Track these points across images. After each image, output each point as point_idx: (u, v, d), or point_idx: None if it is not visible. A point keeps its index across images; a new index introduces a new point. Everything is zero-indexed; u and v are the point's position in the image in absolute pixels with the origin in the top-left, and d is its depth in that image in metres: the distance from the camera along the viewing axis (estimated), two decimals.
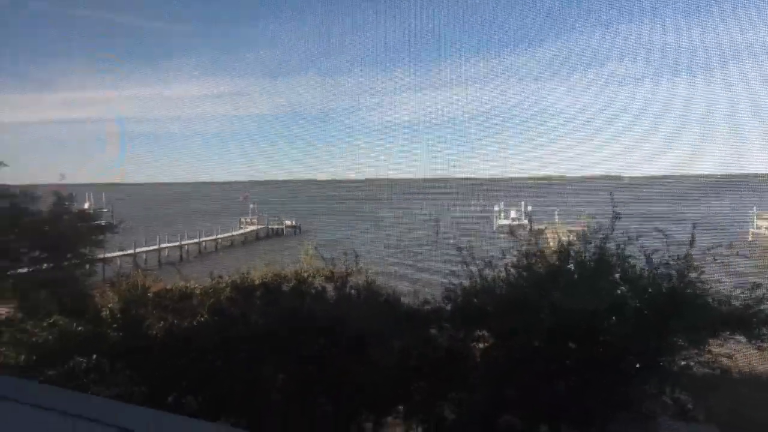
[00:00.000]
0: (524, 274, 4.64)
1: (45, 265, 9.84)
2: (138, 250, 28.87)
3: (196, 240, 35.68)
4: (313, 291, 5.93)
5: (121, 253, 25.82)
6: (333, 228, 48.11)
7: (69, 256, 10.21)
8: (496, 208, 43.24)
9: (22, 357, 3.97)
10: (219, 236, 38.16)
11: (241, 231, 43.40)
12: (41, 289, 8.25)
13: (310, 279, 6.75)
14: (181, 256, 32.75)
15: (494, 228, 41.38)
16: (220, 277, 5.78)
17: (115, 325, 4.16)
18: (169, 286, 5.70)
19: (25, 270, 10.03)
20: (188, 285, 5.66)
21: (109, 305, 4.80)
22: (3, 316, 6.89)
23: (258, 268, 6.67)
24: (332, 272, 5.97)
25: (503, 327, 4.26)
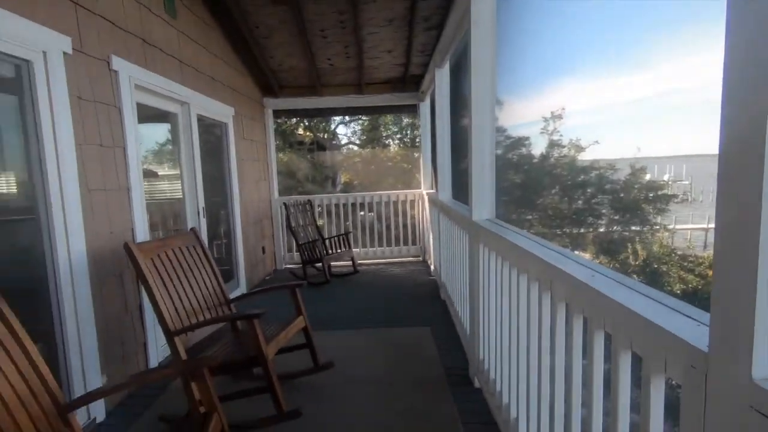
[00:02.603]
0: None
1: (616, 226, 12.58)
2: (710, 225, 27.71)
3: None
4: None
5: (691, 226, 25.83)
6: None
7: (636, 220, 12.38)
8: None
9: None
10: None
11: None
12: (608, 243, 10.71)
13: None
14: None
15: None
16: None
17: (635, 268, 5.44)
18: (701, 254, 6.12)
19: (602, 229, 13.18)
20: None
21: (640, 257, 6.04)
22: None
23: None
24: None
25: None
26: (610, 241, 10.51)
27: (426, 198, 5.93)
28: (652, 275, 6.06)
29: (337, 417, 2.35)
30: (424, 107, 6.12)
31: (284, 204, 5.80)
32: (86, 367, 2.37)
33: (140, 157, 3.02)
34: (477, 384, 2.61)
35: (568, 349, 1.33)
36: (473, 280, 2.64)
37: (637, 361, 1.01)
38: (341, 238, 5.80)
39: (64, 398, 1.59)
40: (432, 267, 5.44)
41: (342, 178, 13.71)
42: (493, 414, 2.25)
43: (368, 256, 6.46)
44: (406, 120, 13.04)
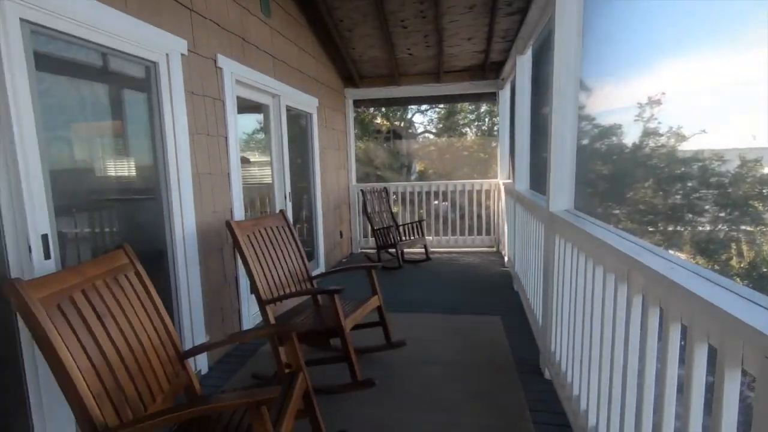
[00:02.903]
0: None
1: (721, 225, 11.32)
2: None
3: None
4: None
5: None
6: None
7: (746, 218, 11.03)
8: None
9: None
10: None
11: None
12: (707, 243, 9.66)
13: None
14: None
15: None
16: None
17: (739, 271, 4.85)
18: None
19: (701, 227, 11.95)
20: None
21: (746, 259, 5.40)
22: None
23: None
24: None
25: None
26: (710, 240, 9.46)
27: (502, 188, 5.83)
28: (759, 280, 5.38)
29: (408, 391, 2.50)
30: (504, 95, 5.97)
31: (361, 191, 6.05)
32: (194, 326, 2.76)
33: (238, 145, 3.37)
34: (547, 375, 2.60)
35: (643, 342, 1.32)
36: (548, 270, 2.62)
37: (710, 357, 1.00)
38: (415, 225, 5.93)
39: (182, 348, 1.90)
40: (506, 258, 5.37)
41: (417, 167, 13.79)
42: (563, 404, 2.25)
43: (441, 244, 6.52)
44: (484, 108, 12.72)
